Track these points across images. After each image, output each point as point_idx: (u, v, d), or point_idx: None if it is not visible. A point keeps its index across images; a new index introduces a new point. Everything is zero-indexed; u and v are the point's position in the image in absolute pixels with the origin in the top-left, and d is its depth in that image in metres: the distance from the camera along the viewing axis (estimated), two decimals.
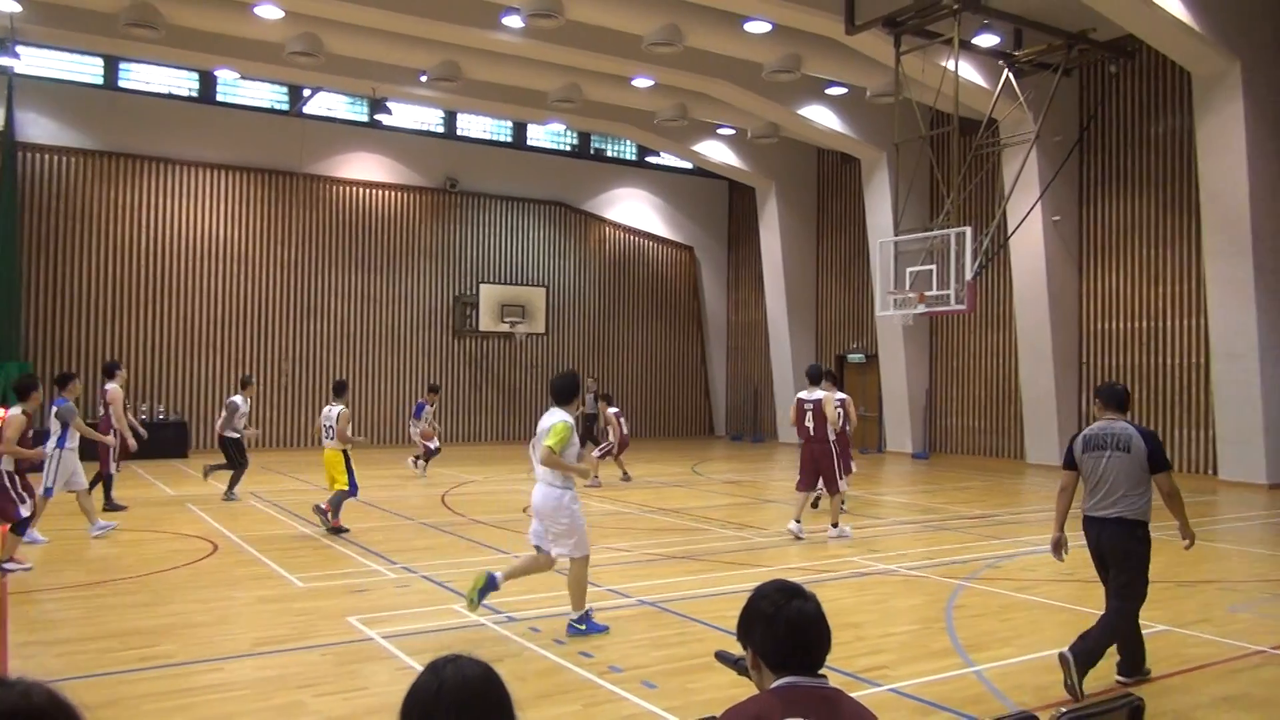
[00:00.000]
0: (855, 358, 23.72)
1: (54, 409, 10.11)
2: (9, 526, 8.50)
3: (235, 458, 13.32)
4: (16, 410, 8.60)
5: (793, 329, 24.59)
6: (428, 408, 17.09)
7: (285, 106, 22.27)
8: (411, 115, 23.61)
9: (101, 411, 12.43)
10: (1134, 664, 5.64)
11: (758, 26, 16.74)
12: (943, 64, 15.85)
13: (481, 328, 23.51)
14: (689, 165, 26.78)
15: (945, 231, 14.71)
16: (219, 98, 21.61)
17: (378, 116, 21.26)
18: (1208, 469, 16.82)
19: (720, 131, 23.43)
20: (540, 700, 5.23)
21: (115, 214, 20.15)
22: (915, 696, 5.34)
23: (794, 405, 11.14)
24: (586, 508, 12.94)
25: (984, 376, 21.03)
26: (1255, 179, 15.33)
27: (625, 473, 16.18)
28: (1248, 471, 15.79)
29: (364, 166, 23.01)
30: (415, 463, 16.64)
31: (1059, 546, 5.93)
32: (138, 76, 20.75)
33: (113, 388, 12.02)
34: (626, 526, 11.60)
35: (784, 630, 2.34)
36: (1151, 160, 17.96)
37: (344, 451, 10.70)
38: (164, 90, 21.05)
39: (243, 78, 20.99)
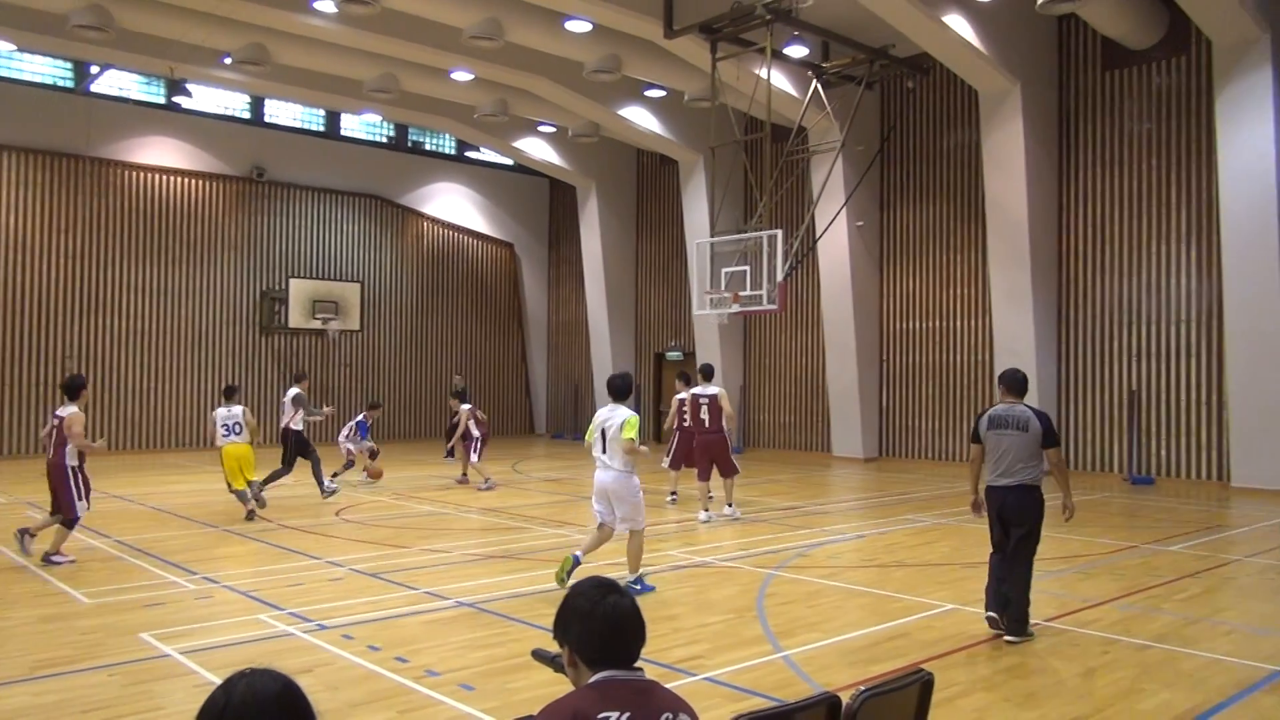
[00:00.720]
0: (673, 355, 24.23)
1: None
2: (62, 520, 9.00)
3: (298, 453, 13.25)
4: (74, 409, 9.03)
5: (613, 327, 24.85)
6: (369, 425, 16.21)
7: (70, 84, 20.54)
8: (214, 99, 22.29)
9: None
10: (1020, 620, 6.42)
11: (578, 26, 16.81)
12: (756, 72, 16.45)
13: (291, 324, 22.52)
14: (509, 161, 26.60)
15: (758, 234, 15.23)
16: None
17: (176, 99, 20.00)
18: None
19: (541, 129, 23.39)
20: (353, 709, 5.06)
21: None
22: (728, 684, 5.51)
23: (688, 400, 12.50)
24: (406, 509, 12.69)
25: (794, 373, 21.96)
26: (1032, 193, 16.74)
27: (464, 474, 15.73)
28: None
29: (160, 151, 21.53)
30: (366, 476, 15.77)
31: (978, 507, 6.86)
32: None
33: None
34: (444, 527, 11.41)
35: (600, 626, 2.37)
36: (944, 171, 19.28)
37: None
38: None
39: (19, 50, 19.20)
